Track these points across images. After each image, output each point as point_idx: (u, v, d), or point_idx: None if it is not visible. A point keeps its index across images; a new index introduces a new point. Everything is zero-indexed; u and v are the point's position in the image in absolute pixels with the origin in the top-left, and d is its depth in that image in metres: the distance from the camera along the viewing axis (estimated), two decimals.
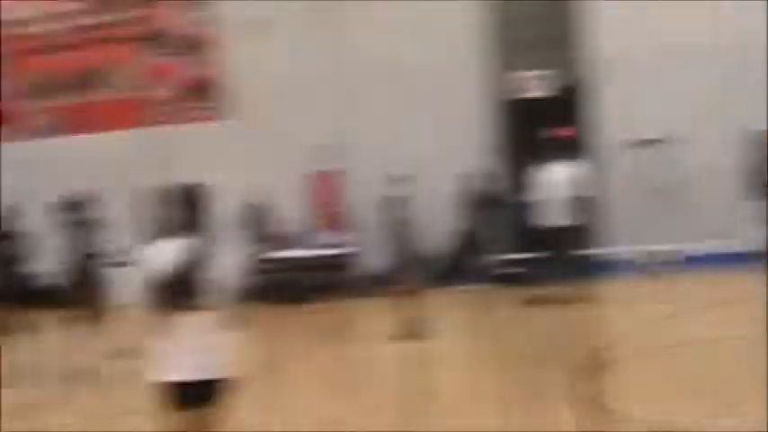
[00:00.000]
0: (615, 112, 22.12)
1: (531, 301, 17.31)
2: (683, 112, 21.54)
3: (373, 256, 21.02)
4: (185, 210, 7.16)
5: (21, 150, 24.03)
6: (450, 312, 16.84)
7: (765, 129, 18.31)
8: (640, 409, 8.80)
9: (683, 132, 21.55)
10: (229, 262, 12.15)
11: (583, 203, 17.08)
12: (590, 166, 21.20)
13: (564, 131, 21.88)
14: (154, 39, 24.29)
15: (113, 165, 22.57)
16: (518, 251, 21.82)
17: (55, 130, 24.67)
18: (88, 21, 24.59)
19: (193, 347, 6.65)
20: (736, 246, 20.30)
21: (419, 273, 16.59)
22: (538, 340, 14.42)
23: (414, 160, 20.98)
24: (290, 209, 22.55)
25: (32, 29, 24.78)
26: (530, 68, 22.62)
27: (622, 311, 17.20)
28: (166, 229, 7.03)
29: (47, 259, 18.83)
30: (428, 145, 22.41)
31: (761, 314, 12.29)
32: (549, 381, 10.72)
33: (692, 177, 20.94)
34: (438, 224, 21.16)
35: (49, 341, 16.41)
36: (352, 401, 11.41)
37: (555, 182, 17.10)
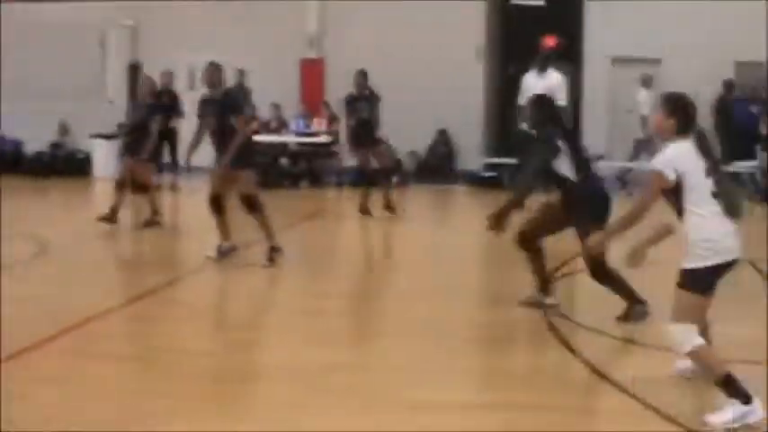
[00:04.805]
0: (602, 26, 22.46)
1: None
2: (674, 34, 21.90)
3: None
4: None
5: None
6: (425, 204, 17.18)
7: None
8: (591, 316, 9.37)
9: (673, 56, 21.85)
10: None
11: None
12: (572, 78, 21.51)
13: (550, 40, 22.14)
14: None
15: None
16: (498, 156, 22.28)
17: None
18: None
19: None
20: None
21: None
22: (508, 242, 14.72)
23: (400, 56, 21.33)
24: (278, 95, 22.66)
25: None
26: None
27: None
28: None
29: None
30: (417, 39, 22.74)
31: None
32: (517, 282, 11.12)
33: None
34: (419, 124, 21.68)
35: None
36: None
37: (532, 89, 17.22)
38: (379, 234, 15.46)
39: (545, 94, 9.05)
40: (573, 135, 9.10)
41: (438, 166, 22.88)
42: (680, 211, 6.28)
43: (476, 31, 23.24)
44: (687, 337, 6.23)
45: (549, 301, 8.99)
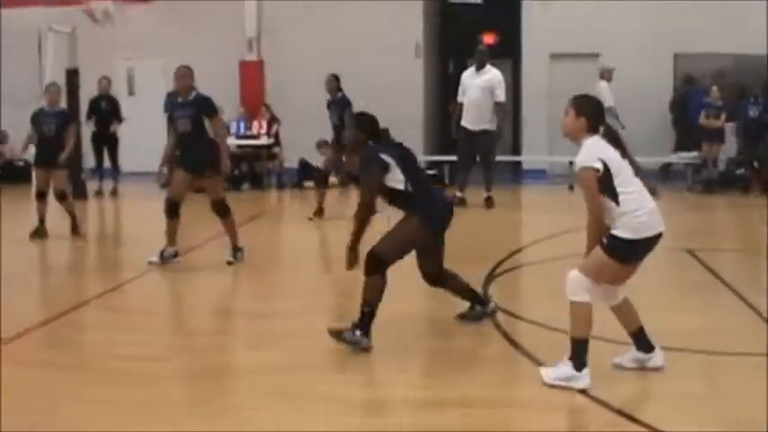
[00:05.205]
0: (540, 23, 22.57)
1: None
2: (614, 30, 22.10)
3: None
4: None
5: None
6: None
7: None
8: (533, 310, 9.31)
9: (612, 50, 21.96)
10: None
11: (497, 109, 17.31)
12: (511, 74, 21.64)
13: (487, 37, 22.24)
14: None
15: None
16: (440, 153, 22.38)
17: None
18: None
19: None
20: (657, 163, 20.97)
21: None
22: (451, 240, 14.75)
23: (340, 57, 21.33)
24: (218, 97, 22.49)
25: None
26: None
27: (527, 219, 17.70)
28: None
29: None
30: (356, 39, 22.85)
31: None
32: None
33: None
34: None
35: None
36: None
37: (471, 86, 17.33)
38: (324, 235, 15.43)
39: (364, 112, 8.51)
40: (401, 147, 8.39)
41: None
42: (615, 198, 6.56)
43: (414, 29, 23.31)
44: (580, 289, 6.68)
45: (490, 308, 8.74)
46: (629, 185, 6.60)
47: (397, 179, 8.01)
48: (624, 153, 6.76)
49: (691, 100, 21.46)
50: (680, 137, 21.74)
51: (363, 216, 8.02)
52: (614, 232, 6.58)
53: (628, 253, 6.62)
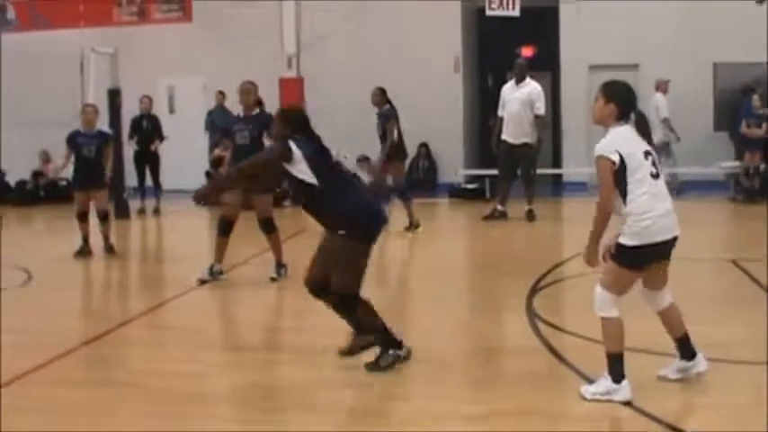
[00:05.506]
0: (578, 34, 22.53)
1: (487, 216, 17.43)
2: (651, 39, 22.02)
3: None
4: None
5: None
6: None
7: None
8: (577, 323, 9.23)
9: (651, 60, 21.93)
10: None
11: (537, 122, 17.31)
12: (550, 86, 21.60)
13: (526, 50, 22.19)
14: None
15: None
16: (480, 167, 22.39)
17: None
18: None
19: None
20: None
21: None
22: (493, 253, 14.76)
23: (379, 72, 21.38)
24: None
25: None
26: None
27: (569, 231, 17.64)
28: None
29: None
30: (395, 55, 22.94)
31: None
32: (504, 291, 11.16)
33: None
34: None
35: None
36: None
37: (511, 100, 17.34)
38: None
39: (294, 108, 8.32)
40: (318, 143, 7.92)
41: (421, 179, 22.89)
42: (624, 194, 6.49)
43: (453, 44, 23.34)
44: (607, 304, 6.65)
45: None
46: (640, 186, 6.47)
47: (302, 171, 7.69)
48: (651, 148, 6.64)
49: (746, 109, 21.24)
50: (738, 146, 21.54)
51: (249, 166, 8.27)
52: (620, 240, 6.53)
53: (636, 260, 6.54)
